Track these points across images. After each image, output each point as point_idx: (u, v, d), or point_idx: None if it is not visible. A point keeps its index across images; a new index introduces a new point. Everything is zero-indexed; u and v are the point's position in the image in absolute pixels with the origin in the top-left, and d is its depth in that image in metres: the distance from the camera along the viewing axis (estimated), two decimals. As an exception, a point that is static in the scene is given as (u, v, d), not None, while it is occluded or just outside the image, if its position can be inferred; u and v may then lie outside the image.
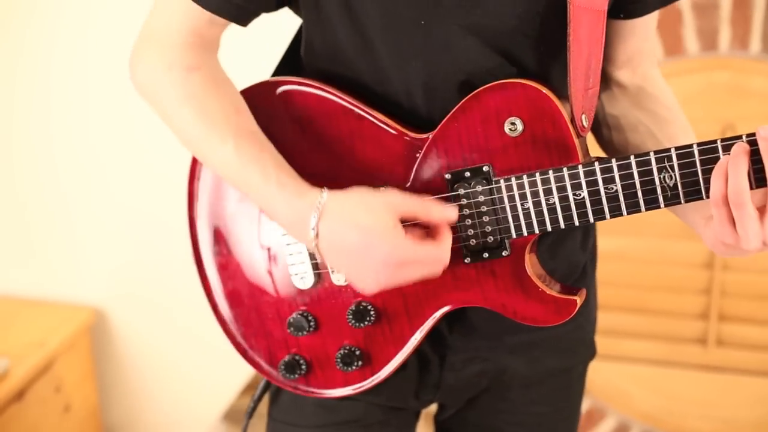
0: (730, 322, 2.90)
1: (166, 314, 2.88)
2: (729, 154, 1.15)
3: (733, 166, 1.14)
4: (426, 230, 1.25)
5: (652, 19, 1.42)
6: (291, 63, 1.43)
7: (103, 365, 2.98)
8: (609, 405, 3.04)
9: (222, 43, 1.37)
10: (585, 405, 3.03)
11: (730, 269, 2.85)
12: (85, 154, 2.78)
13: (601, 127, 1.46)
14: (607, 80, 1.46)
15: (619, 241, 2.89)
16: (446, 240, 1.24)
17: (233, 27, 1.34)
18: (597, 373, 3.01)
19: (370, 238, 1.20)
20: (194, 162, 1.43)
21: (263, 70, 1.45)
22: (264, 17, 1.37)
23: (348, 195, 1.24)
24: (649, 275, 2.93)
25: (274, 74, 1.45)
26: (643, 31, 1.42)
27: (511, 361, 1.49)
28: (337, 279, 1.37)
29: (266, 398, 1.56)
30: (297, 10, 1.38)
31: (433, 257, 1.23)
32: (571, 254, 1.47)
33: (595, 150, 1.42)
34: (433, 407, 1.60)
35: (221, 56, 1.37)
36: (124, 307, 2.91)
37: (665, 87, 1.46)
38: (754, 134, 1.14)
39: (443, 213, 1.25)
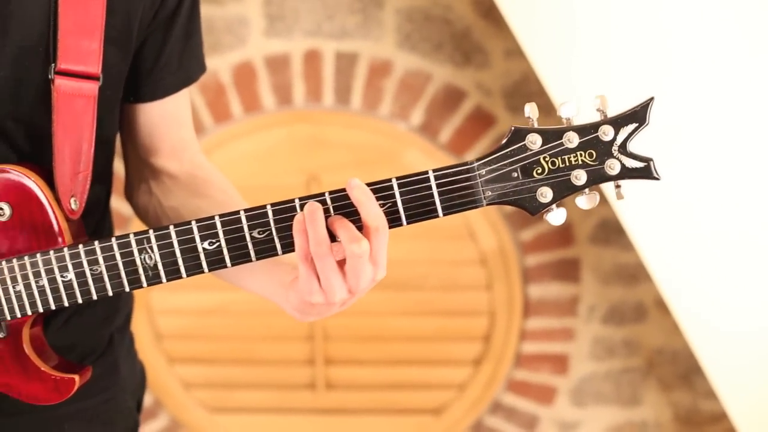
0: (337, 365, 2.99)
1: None
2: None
3: (311, 222, 1.16)
4: None
5: (183, 107, 1.47)
6: None
7: None
8: (230, 458, 3.06)
9: None
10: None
11: (330, 314, 2.93)
12: None
13: (162, 221, 1.47)
14: (156, 173, 1.47)
15: (221, 296, 2.92)
16: None
17: None
18: (215, 426, 3.03)
19: None
20: None
21: None
22: None
23: None
24: (253, 326, 2.98)
25: None
26: (177, 119, 1.46)
27: None
28: None
29: None
30: None
31: None
32: (93, 328, 1.47)
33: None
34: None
35: None
36: None
37: (216, 171, 1.50)
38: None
39: None
